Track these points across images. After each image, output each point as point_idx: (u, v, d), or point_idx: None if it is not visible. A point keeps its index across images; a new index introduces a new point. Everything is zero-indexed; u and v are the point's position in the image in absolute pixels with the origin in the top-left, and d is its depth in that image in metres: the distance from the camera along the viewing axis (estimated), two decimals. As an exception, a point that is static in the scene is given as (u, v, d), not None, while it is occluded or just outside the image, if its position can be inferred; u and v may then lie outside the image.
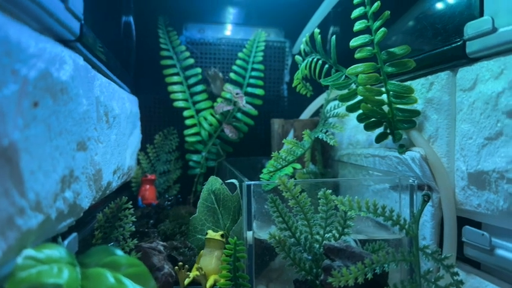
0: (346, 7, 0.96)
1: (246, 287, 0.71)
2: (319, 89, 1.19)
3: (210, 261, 0.78)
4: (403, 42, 0.83)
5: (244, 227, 0.75)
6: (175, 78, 1.39)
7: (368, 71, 0.80)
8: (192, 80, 1.41)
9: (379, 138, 0.88)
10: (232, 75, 1.42)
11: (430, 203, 0.74)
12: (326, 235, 0.72)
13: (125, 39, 1.31)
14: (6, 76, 0.37)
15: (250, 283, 0.73)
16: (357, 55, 0.80)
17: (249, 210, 0.75)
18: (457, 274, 0.62)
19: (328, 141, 0.91)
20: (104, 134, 0.77)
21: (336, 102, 1.00)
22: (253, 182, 0.75)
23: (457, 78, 0.72)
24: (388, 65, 0.79)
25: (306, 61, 0.93)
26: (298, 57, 0.97)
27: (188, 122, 1.38)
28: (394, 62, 0.78)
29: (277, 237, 0.70)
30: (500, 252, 0.63)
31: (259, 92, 1.42)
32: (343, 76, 0.86)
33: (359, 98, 0.84)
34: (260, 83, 1.43)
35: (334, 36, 0.86)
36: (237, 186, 0.87)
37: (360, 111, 0.85)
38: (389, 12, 0.75)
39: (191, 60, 1.41)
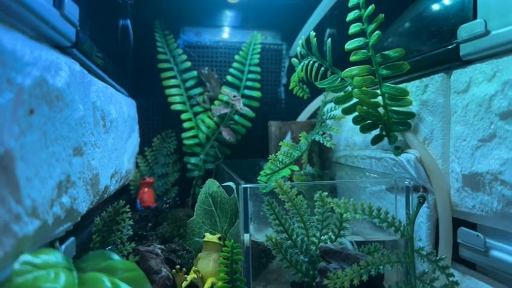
0: (342, 10, 0.97)
1: (243, 290, 0.71)
2: (316, 91, 1.20)
3: (207, 264, 0.79)
4: (398, 44, 0.84)
5: (241, 229, 0.75)
6: (172, 82, 1.40)
7: (363, 73, 0.80)
8: (189, 83, 1.41)
9: (375, 140, 0.88)
10: (229, 77, 1.43)
11: (425, 205, 0.75)
12: (322, 237, 0.73)
13: (122, 43, 1.31)
14: (1, 85, 0.37)
15: (248, 286, 0.73)
16: (352, 58, 0.81)
17: (245, 213, 0.75)
18: (452, 275, 0.62)
19: (325, 143, 0.91)
20: (101, 139, 0.77)
21: (333, 104, 1.00)
22: (249, 185, 0.75)
23: (451, 81, 0.72)
24: (383, 68, 0.80)
25: (302, 64, 0.94)
26: (294, 60, 0.97)
27: (186, 124, 1.39)
28: (389, 64, 0.79)
29: (273, 240, 0.70)
30: (494, 253, 0.64)
31: (257, 94, 1.42)
32: (339, 78, 0.86)
33: (355, 100, 0.85)
34: (257, 85, 1.43)
35: (329, 39, 0.86)
36: (234, 189, 0.87)
37: (356, 113, 0.85)
38: (383, 15, 0.76)
39: (188, 63, 1.42)
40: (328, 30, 1.42)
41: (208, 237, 0.81)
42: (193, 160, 1.41)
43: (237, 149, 1.43)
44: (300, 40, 0.94)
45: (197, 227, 0.90)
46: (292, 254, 0.71)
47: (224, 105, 1.36)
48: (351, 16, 0.81)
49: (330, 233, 0.73)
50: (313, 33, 0.89)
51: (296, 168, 0.90)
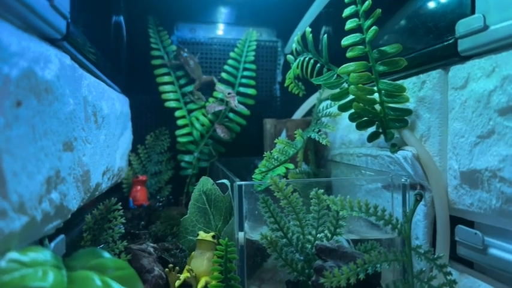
0: (337, 7, 0.96)
1: (238, 289, 0.70)
2: (311, 89, 1.19)
3: (201, 263, 0.77)
4: (395, 41, 0.83)
5: (236, 227, 0.74)
6: (166, 78, 1.38)
7: (360, 69, 0.79)
8: (183, 80, 1.39)
9: (371, 138, 0.87)
10: (223, 75, 1.41)
11: (422, 202, 0.74)
12: (318, 235, 0.71)
13: (115, 39, 1.29)
14: (-14, 74, 0.36)
15: (242, 284, 0.72)
16: (349, 54, 0.80)
17: (240, 210, 0.74)
18: (450, 274, 0.61)
19: (321, 141, 0.90)
20: (92, 135, 0.76)
21: (329, 101, 0.99)
22: (244, 183, 0.74)
23: (449, 77, 0.71)
24: (379, 64, 0.79)
25: (297, 60, 0.93)
26: (290, 57, 0.96)
27: (180, 122, 1.37)
28: (386, 60, 0.78)
29: (269, 238, 0.69)
30: (493, 251, 0.63)
31: (252, 91, 1.41)
32: (335, 75, 0.85)
33: (351, 97, 0.84)
34: (252, 82, 1.42)
35: (325, 35, 0.85)
36: (228, 186, 0.86)
37: (352, 110, 0.84)
38: (380, 10, 0.75)
39: (182, 60, 1.40)
40: (323, 28, 1.41)
41: (202, 235, 0.80)
42: (187, 158, 1.39)
43: (232, 147, 1.41)
44: (295, 37, 0.93)
45: (191, 225, 0.89)
46: (288, 252, 0.70)
47: (219, 102, 1.34)
48: (347, 12, 0.80)
49: (326, 231, 0.72)
50: (309, 29, 0.88)
51: (291, 166, 0.89)
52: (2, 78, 0.39)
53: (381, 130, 0.85)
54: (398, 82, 0.80)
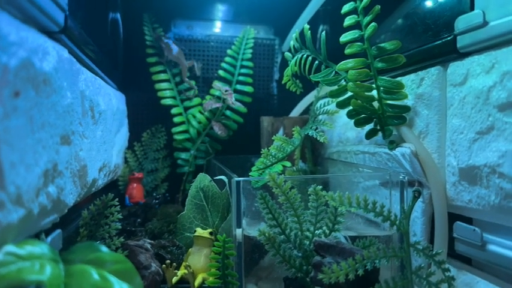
0: (335, 5, 0.96)
1: (235, 285, 0.70)
2: (309, 87, 1.19)
3: (198, 260, 0.77)
4: (393, 38, 0.83)
5: (234, 224, 0.74)
6: (162, 76, 1.37)
7: (358, 66, 0.79)
8: (179, 77, 1.39)
9: (369, 135, 0.87)
10: (221, 72, 1.41)
11: (420, 199, 0.74)
12: (316, 231, 0.71)
13: (112, 35, 1.28)
14: (-16, 63, 0.35)
15: (239, 281, 0.71)
16: (347, 51, 0.80)
17: (238, 207, 0.73)
18: (448, 270, 0.61)
19: (318, 138, 0.90)
20: (89, 130, 0.75)
21: (326, 99, 0.99)
22: (242, 179, 0.74)
23: (447, 73, 0.71)
24: (378, 61, 0.78)
25: (295, 58, 0.92)
26: (287, 54, 0.96)
27: (176, 119, 1.36)
28: (385, 57, 0.78)
29: (266, 234, 0.69)
30: (491, 247, 0.63)
31: (249, 89, 1.41)
32: (333, 72, 0.85)
33: (349, 94, 0.83)
34: (249, 80, 1.41)
35: (324, 32, 0.85)
36: (226, 183, 0.86)
37: (350, 107, 0.84)
38: (379, 6, 0.74)
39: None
40: (321, 26, 1.41)
41: (199, 232, 0.79)
42: (183, 155, 1.39)
43: (229, 144, 1.41)
44: (293, 34, 0.93)
45: (188, 222, 0.88)
46: (286, 248, 0.70)
47: (216, 99, 1.34)
48: (346, 8, 0.80)
49: (324, 227, 0.71)
50: (307, 26, 0.88)
51: (288, 164, 0.89)
52: (1, 67, 0.38)
53: (379, 127, 0.85)
54: (396, 79, 0.80)
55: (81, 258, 0.49)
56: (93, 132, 0.79)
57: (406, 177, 0.76)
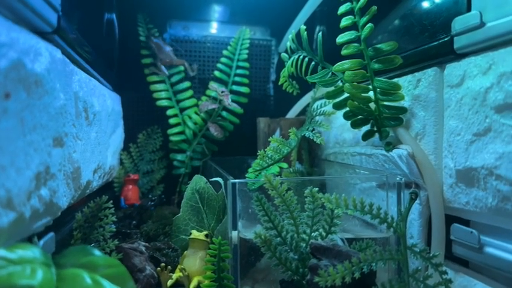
0: (332, 5, 0.95)
1: (231, 288, 0.69)
2: (305, 88, 1.18)
3: (193, 262, 0.76)
4: (390, 39, 0.82)
5: (229, 226, 0.73)
6: (157, 77, 1.36)
7: (355, 67, 0.79)
8: (175, 78, 1.38)
9: (366, 136, 0.87)
10: (217, 73, 1.40)
11: (417, 201, 0.73)
12: (312, 234, 0.71)
13: (107, 36, 1.28)
14: (-28, 64, 0.35)
15: (235, 284, 0.71)
16: (344, 52, 0.79)
17: (234, 209, 0.73)
18: (445, 273, 0.61)
19: (315, 140, 0.89)
20: (83, 131, 0.75)
21: (323, 100, 0.98)
22: (238, 180, 0.73)
23: (444, 75, 0.71)
24: (374, 62, 0.78)
25: (292, 58, 0.92)
26: (284, 55, 0.95)
27: (172, 120, 1.36)
28: (381, 58, 0.77)
29: (262, 237, 0.68)
30: (489, 250, 0.62)
31: (245, 90, 1.40)
32: (330, 73, 0.85)
33: (346, 95, 0.83)
34: (245, 81, 1.41)
35: (320, 33, 0.85)
36: (222, 184, 0.85)
37: (347, 108, 0.84)
38: (376, 7, 0.74)
39: (174, 58, 1.39)
40: (318, 27, 1.40)
41: (195, 234, 0.78)
42: (179, 157, 1.38)
43: (225, 145, 1.40)
44: (290, 35, 0.92)
45: (183, 224, 0.88)
46: (282, 251, 0.69)
47: (212, 100, 1.33)
48: (342, 9, 0.79)
49: (321, 230, 0.71)
50: (303, 27, 0.87)
51: (285, 165, 0.88)
52: (-10, 68, 0.37)
53: (375, 128, 0.84)
54: (393, 80, 0.80)
55: (73, 262, 0.49)
56: (87, 133, 0.79)
57: (403, 179, 0.75)
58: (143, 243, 0.81)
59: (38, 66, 0.49)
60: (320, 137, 0.89)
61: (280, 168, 0.87)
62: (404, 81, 0.80)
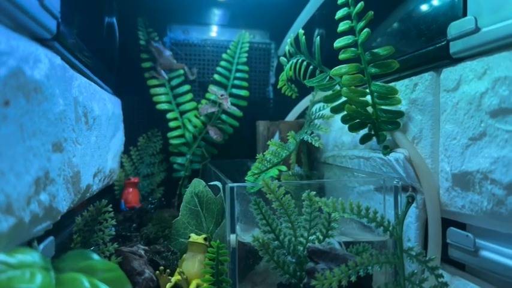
0: (330, 9, 0.96)
1: (229, 291, 0.69)
2: (304, 91, 1.19)
3: (192, 265, 0.77)
4: (387, 43, 0.83)
5: (228, 230, 0.74)
6: (157, 81, 1.37)
7: (352, 71, 0.79)
8: (175, 82, 1.39)
9: (364, 140, 0.87)
10: (216, 76, 1.41)
11: (414, 205, 0.74)
12: (310, 237, 0.71)
13: (108, 40, 1.28)
14: (-28, 73, 0.35)
15: (234, 287, 0.71)
16: (341, 56, 0.80)
17: (232, 212, 0.73)
18: (441, 276, 0.61)
19: (314, 143, 0.90)
20: (82, 135, 0.75)
21: (322, 103, 0.99)
22: (236, 184, 0.74)
23: (440, 79, 0.72)
24: (372, 66, 0.79)
25: (290, 62, 0.92)
26: (283, 59, 0.96)
27: (172, 124, 1.36)
28: (378, 62, 0.78)
29: (260, 240, 0.69)
30: (484, 253, 0.63)
31: (244, 93, 1.41)
32: (328, 77, 0.85)
33: (343, 99, 0.84)
34: (245, 84, 1.41)
35: (318, 37, 0.85)
36: (220, 188, 0.86)
37: (344, 112, 0.84)
38: (372, 12, 0.75)
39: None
40: (316, 30, 1.41)
41: (194, 237, 0.79)
42: (179, 160, 1.39)
43: (224, 148, 1.41)
44: (288, 39, 0.93)
45: (182, 228, 0.88)
46: (280, 254, 0.70)
47: (211, 104, 1.34)
48: (339, 14, 0.80)
49: (318, 233, 0.71)
50: (302, 31, 0.88)
51: (284, 168, 0.89)
52: (-11, 77, 0.38)
53: (373, 132, 0.85)
54: (390, 84, 0.80)
55: (72, 267, 0.49)
56: (87, 137, 0.79)
57: (400, 183, 0.76)
58: (142, 247, 0.81)
59: (37, 73, 0.50)
60: (319, 140, 0.90)
61: (279, 171, 0.88)
62: (402, 86, 0.81)
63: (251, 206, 0.70)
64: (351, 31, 0.79)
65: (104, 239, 0.77)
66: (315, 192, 0.70)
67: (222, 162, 1.30)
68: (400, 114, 0.80)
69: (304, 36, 0.87)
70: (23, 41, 0.48)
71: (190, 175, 1.36)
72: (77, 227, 0.76)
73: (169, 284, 0.74)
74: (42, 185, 0.52)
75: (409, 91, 0.78)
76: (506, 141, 0.56)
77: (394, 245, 0.74)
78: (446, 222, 0.71)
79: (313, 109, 1.02)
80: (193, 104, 1.39)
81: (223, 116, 1.37)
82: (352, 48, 0.79)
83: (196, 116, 1.37)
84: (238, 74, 1.42)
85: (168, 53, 1.35)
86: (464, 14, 0.66)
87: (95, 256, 0.50)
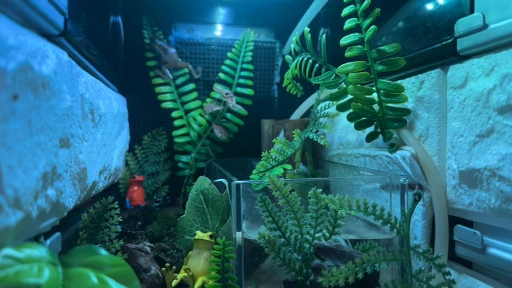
0: (336, 8, 0.96)
1: (235, 288, 0.69)
2: (309, 90, 1.19)
3: (198, 263, 0.77)
4: (393, 41, 0.82)
5: (234, 227, 0.74)
6: (162, 79, 1.37)
7: (358, 69, 0.79)
8: (180, 80, 1.39)
9: (370, 138, 0.87)
10: (221, 75, 1.41)
11: (421, 202, 0.73)
12: (316, 235, 0.71)
13: (113, 39, 1.29)
14: (-18, 66, 0.35)
15: (239, 284, 0.71)
16: (347, 53, 0.80)
17: (238, 210, 0.73)
18: (448, 273, 0.61)
19: (319, 141, 0.90)
20: (89, 132, 0.75)
21: (327, 102, 0.99)
22: (242, 181, 0.74)
23: (447, 76, 0.71)
24: (378, 63, 0.78)
25: (296, 60, 0.92)
26: (288, 57, 0.96)
27: (177, 122, 1.36)
28: (385, 60, 0.78)
29: (266, 237, 0.69)
30: (492, 251, 0.62)
31: (249, 91, 1.41)
32: (334, 75, 0.85)
33: (349, 96, 0.83)
34: (250, 82, 1.41)
35: (324, 35, 0.85)
36: (226, 185, 0.85)
37: (350, 110, 0.84)
38: (379, 9, 0.74)
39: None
40: (321, 29, 1.41)
41: (199, 235, 0.79)
42: (184, 158, 1.39)
43: (229, 147, 1.41)
44: (293, 37, 0.93)
45: (188, 225, 0.88)
46: (286, 251, 0.70)
47: (216, 102, 1.34)
48: (346, 11, 0.80)
49: (324, 231, 0.71)
50: (307, 29, 0.88)
51: (289, 167, 0.88)
52: (-1, 70, 0.38)
53: (379, 130, 0.85)
54: (397, 82, 0.80)
55: (79, 261, 0.49)
56: (93, 135, 0.79)
57: (406, 180, 0.76)
58: (148, 244, 0.81)
59: (45, 68, 0.50)
60: (324, 139, 0.90)
61: (284, 169, 0.88)
62: (408, 83, 0.81)
63: (257, 204, 0.70)
64: (357, 28, 0.78)
65: (110, 235, 0.77)
66: (321, 190, 0.70)
67: (226, 160, 1.30)
68: (407, 111, 0.79)
69: (309, 34, 0.87)
70: (31, 36, 0.48)
71: (195, 174, 1.36)
72: (83, 224, 0.76)
73: (175, 281, 0.74)
74: (50, 180, 0.52)
75: (415, 89, 0.78)
76: (514, 138, 0.56)
77: (400, 243, 0.74)
78: (453, 220, 0.71)
79: (319, 107, 1.02)
80: (198, 103, 1.39)
81: (228, 115, 1.37)
82: (359, 46, 0.79)
83: (201, 115, 1.37)
84: (243, 73, 1.42)
85: (172, 50, 1.35)
86: (472, 11, 0.66)
87: (102, 251, 0.50)
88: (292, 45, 0.93)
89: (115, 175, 1.09)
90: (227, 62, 1.42)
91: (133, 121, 1.35)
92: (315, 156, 1.19)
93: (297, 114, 1.33)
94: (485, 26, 0.62)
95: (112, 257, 0.50)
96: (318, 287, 0.60)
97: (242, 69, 1.42)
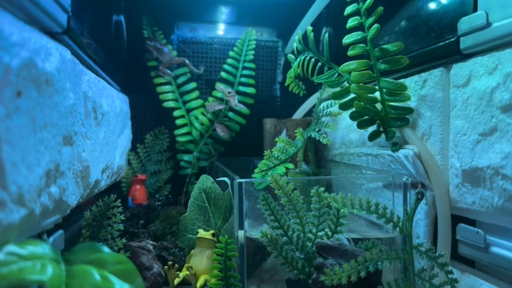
0: (338, 7, 0.95)
1: (237, 287, 0.69)
2: (311, 89, 1.19)
3: (200, 261, 0.77)
4: (396, 40, 0.82)
5: (236, 225, 0.74)
6: (163, 79, 1.37)
7: (361, 68, 0.79)
8: (181, 79, 1.39)
9: (372, 137, 0.87)
10: (223, 74, 1.41)
11: (423, 201, 0.73)
12: (319, 233, 0.71)
13: (116, 38, 1.29)
14: (-14, 62, 0.35)
15: (242, 283, 0.71)
16: (350, 52, 0.80)
17: (240, 208, 0.73)
18: (451, 272, 0.61)
19: (321, 140, 0.90)
20: (92, 131, 0.75)
21: (329, 101, 0.99)
22: (244, 180, 0.74)
23: (450, 75, 0.71)
24: (381, 62, 0.78)
25: (298, 59, 0.92)
26: (290, 56, 0.96)
27: (179, 121, 1.36)
28: (387, 59, 0.78)
29: (269, 236, 0.69)
30: (495, 249, 0.62)
31: (251, 90, 1.41)
32: (336, 74, 0.85)
33: (352, 95, 0.83)
34: (251, 81, 1.41)
35: (327, 34, 0.85)
36: (229, 184, 0.85)
37: (353, 109, 0.84)
38: (382, 8, 0.74)
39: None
40: (324, 28, 1.41)
41: (202, 233, 0.79)
42: (186, 157, 1.39)
43: (231, 146, 1.41)
44: (296, 36, 0.93)
45: (190, 223, 0.88)
46: (288, 250, 0.70)
47: (218, 101, 1.34)
48: (348, 10, 0.80)
49: (327, 229, 0.71)
50: (310, 28, 0.88)
51: (291, 166, 0.88)
52: (3, 67, 0.38)
53: (382, 129, 0.85)
54: (400, 81, 0.80)
55: (82, 259, 0.49)
56: (96, 133, 0.79)
57: (409, 179, 0.76)
58: (151, 242, 0.81)
59: (48, 65, 0.50)
60: (326, 138, 0.90)
61: (287, 168, 0.88)
62: (411, 82, 0.80)
63: (259, 202, 0.70)
64: (359, 27, 0.78)
65: (113, 234, 0.77)
66: (323, 188, 0.70)
67: (228, 159, 1.30)
68: (410, 110, 0.79)
69: (312, 33, 0.87)
70: (34, 34, 0.48)
71: (197, 172, 1.36)
72: (85, 222, 0.76)
73: (177, 279, 0.74)
74: (53, 177, 0.52)
75: (418, 87, 0.78)
76: (518, 136, 0.55)
77: (403, 241, 0.73)
78: (456, 219, 0.71)
79: (321, 107, 1.02)
80: (200, 102, 1.39)
81: (230, 114, 1.37)
82: (361, 45, 0.79)
83: (203, 114, 1.37)
84: (245, 72, 1.41)
85: (166, 49, 1.35)
86: (475, 9, 0.66)
87: (105, 249, 0.50)
88: (295, 44, 0.93)
89: (117, 174, 1.10)
90: (229, 60, 1.42)
91: (135, 120, 1.35)
92: (317, 155, 1.19)
93: (299, 113, 1.33)
94: (488, 25, 0.62)
95: (115, 255, 0.50)
96: (321, 286, 0.60)
97: (244, 68, 1.41)
